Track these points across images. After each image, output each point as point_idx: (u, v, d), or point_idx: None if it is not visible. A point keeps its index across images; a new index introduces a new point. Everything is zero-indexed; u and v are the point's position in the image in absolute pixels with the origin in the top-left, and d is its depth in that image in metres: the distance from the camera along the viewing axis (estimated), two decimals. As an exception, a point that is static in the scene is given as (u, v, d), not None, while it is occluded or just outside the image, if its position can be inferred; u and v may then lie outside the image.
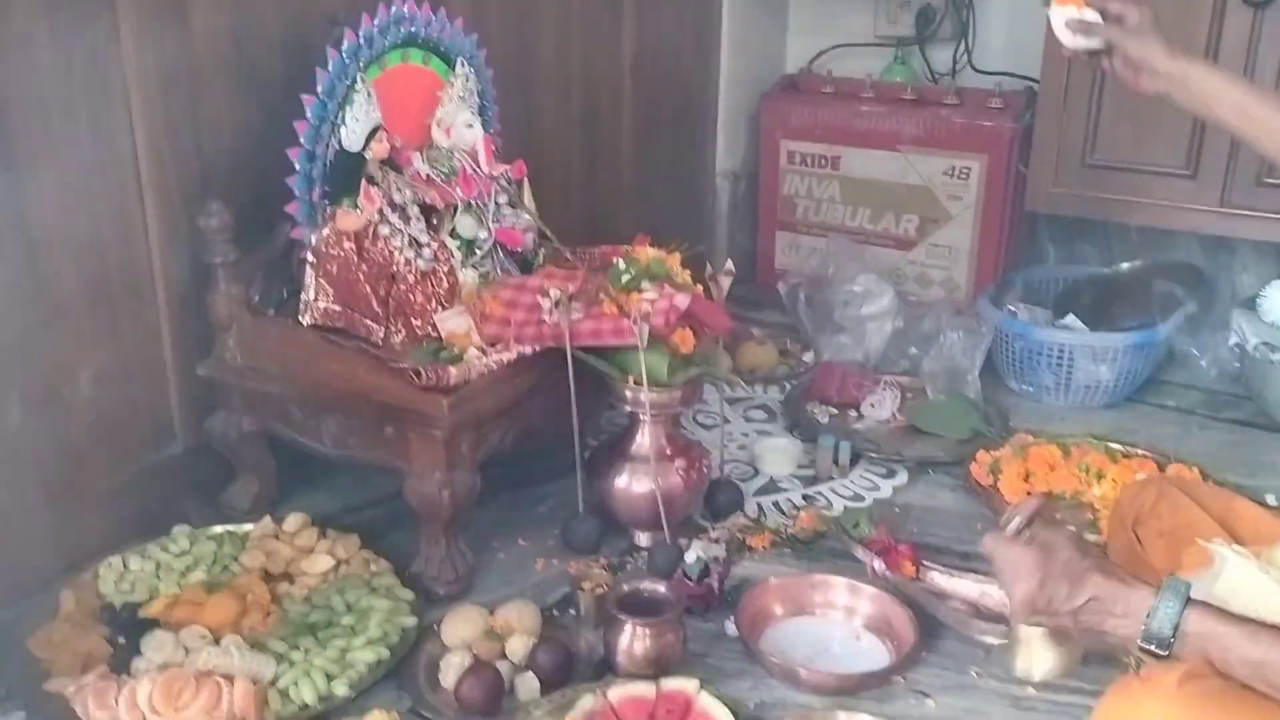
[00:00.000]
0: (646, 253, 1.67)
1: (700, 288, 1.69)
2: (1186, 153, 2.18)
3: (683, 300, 1.60)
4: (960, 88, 2.60)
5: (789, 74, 2.86)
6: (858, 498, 1.94)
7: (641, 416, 1.69)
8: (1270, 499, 1.90)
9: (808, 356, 2.49)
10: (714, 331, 1.70)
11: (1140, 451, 2.00)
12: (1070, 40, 1.47)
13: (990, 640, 1.52)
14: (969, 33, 2.67)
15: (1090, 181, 2.29)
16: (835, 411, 2.24)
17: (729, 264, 1.75)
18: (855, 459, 2.04)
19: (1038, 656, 1.43)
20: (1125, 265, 2.49)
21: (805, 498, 1.94)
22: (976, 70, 2.67)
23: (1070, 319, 2.34)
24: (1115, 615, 1.09)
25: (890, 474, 2.02)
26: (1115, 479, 1.88)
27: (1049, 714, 1.42)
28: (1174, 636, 1.04)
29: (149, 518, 1.66)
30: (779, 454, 2.03)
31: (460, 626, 1.50)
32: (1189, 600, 1.05)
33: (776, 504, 1.92)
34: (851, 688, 1.44)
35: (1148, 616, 1.06)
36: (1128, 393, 2.30)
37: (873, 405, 2.23)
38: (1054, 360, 2.24)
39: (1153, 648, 1.06)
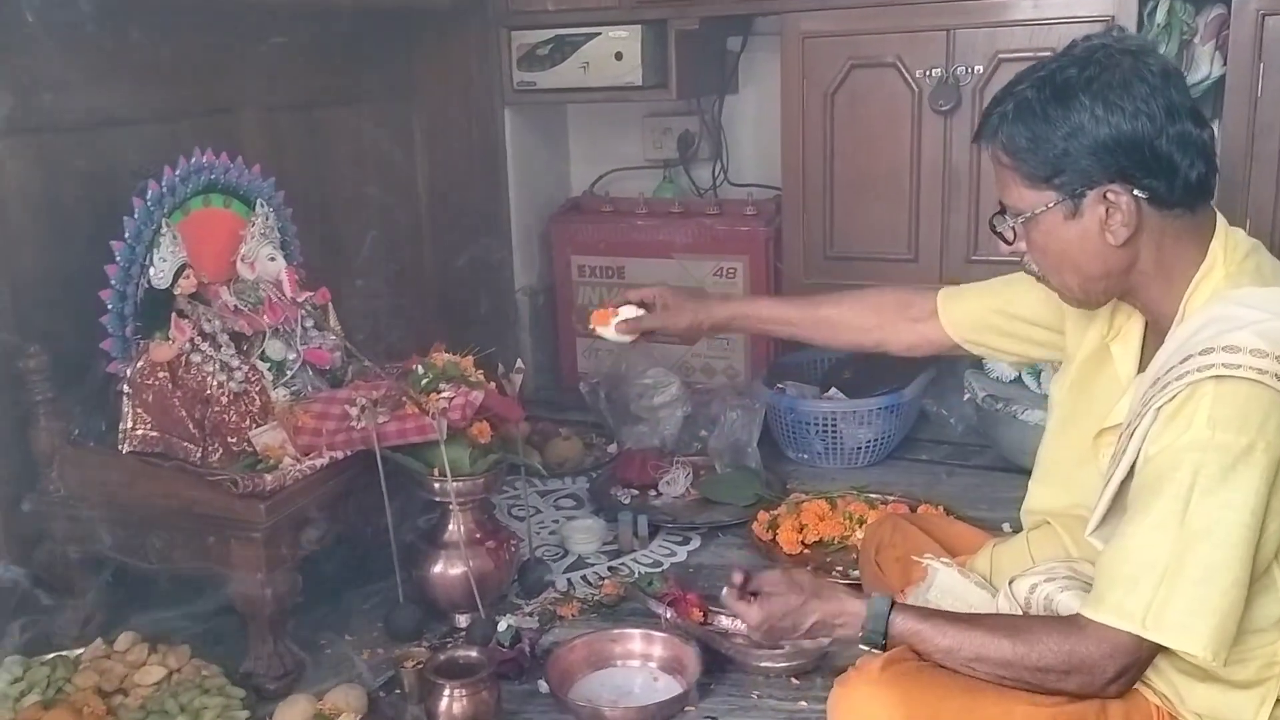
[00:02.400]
0: (442, 357, 1.88)
1: (494, 384, 1.90)
2: (906, 241, 2.55)
3: (476, 396, 1.81)
4: (720, 199, 2.95)
5: (573, 196, 3.16)
6: (657, 564, 2.15)
7: (450, 505, 1.87)
8: (1006, 527, 2.21)
9: (611, 447, 2.71)
10: (508, 421, 1.90)
11: (894, 498, 2.29)
12: (628, 339, 1.78)
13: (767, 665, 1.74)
14: (723, 152, 3.04)
15: (833, 271, 2.63)
16: (636, 492, 2.46)
17: (519, 363, 1.98)
18: (654, 531, 2.26)
19: None
20: (878, 342, 2.83)
21: (610, 569, 2.14)
22: (732, 184, 3.03)
23: (833, 392, 2.65)
24: (839, 627, 1.35)
25: (685, 541, 2.25)
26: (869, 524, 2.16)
27: (819, 720, 1.65)
28: (884, 638, 1.30)
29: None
30: (584, 533, 2.24)
31: (290, 714, 1.61)
32: (893, 607, 1.30)
33: (584, 577, 2.11)
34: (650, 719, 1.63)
35: (863, 626, 1.31)
36: (888, 450, 2.61)
37: (668, 483, 2.47)
38: (821, 428, 2.54)
39: (870, 649, 1.31)
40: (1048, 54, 2.10)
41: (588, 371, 2.99)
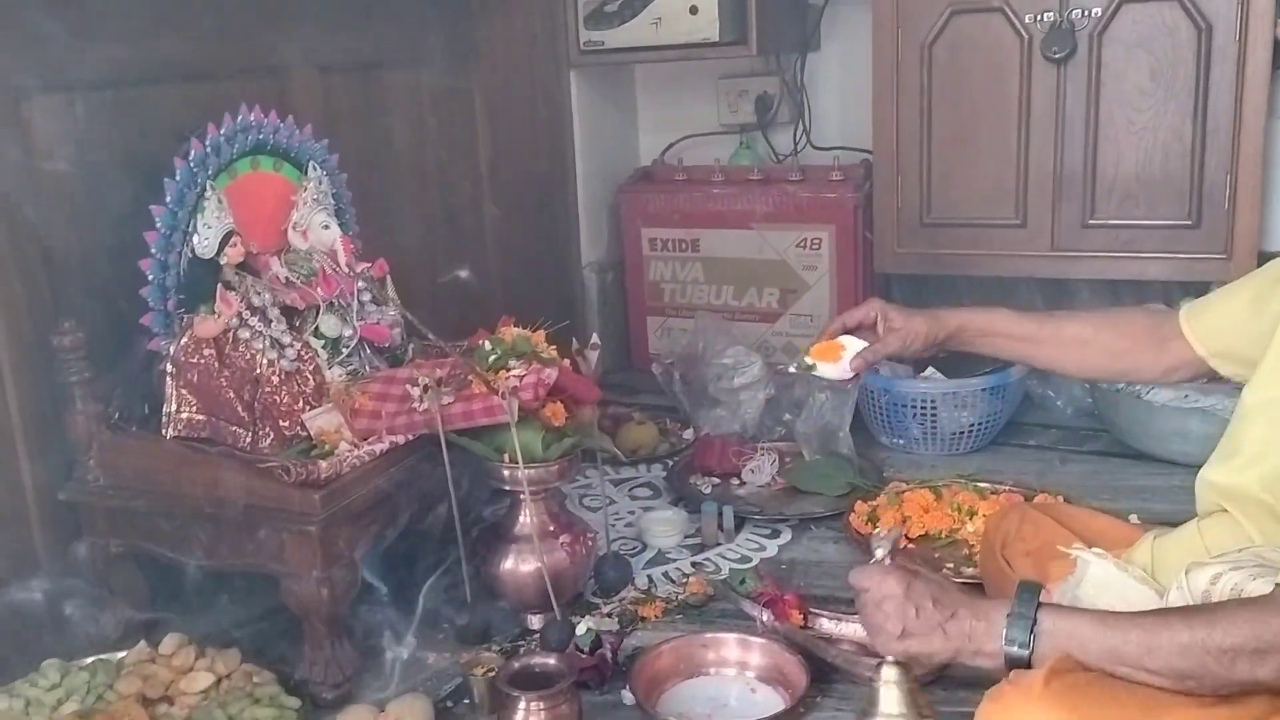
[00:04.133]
0: (511, 332, 1.70)
1: (567, 362, 1.72)
2: (1014, 205, 2.32)
3: (550, 374, 1.63)
4: (803, 165, 2.74)
5: (643, 166, 2.97)
6: (745, 559, 1.96)
7: (521, 495, 1.70)
8: (1133, 519, 1.98)
9: (688, 433, 2.53)
10: (584, 402, 1.72)
11: (1007, 487, 2.08)
12: (852, 374, 1.54)
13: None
14: (805, 115, 2.83)
15: (930, 240, 2.42)
16: (718, 481, 2.28)
17: (594, 338, 1.80)
18: (740, 523, 2.07)
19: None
20: (976, 316, 2.61)
21: (694, 565, 1.96)
22: (816, 148, 2.82)
23: (929, 371, 2.44)
24: (978, 627, 1.13)
25: (775, 534, 2.05)
26: (986, 515, 1.95)
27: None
28: (1031, 637, 1.09)
29: (16, 653, 1.58)
30: (665, 526, 2.05)
31: (349, 727, 1.46)
32: (1040, 604, 1.10)
33: (666, 574, 1.93)
34: (750, 737, 1.44)
35: (1006, 622, 1.11)
36: (992, 436, 2.39)
37: (753, 471, 2.28)
38: (919, 411, 2.33)
39: (1014, 649, 1.10)
40: None
41: (660, 352, 2.80)
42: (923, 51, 2.31)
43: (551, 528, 1.72)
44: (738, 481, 2.28)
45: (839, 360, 1.54)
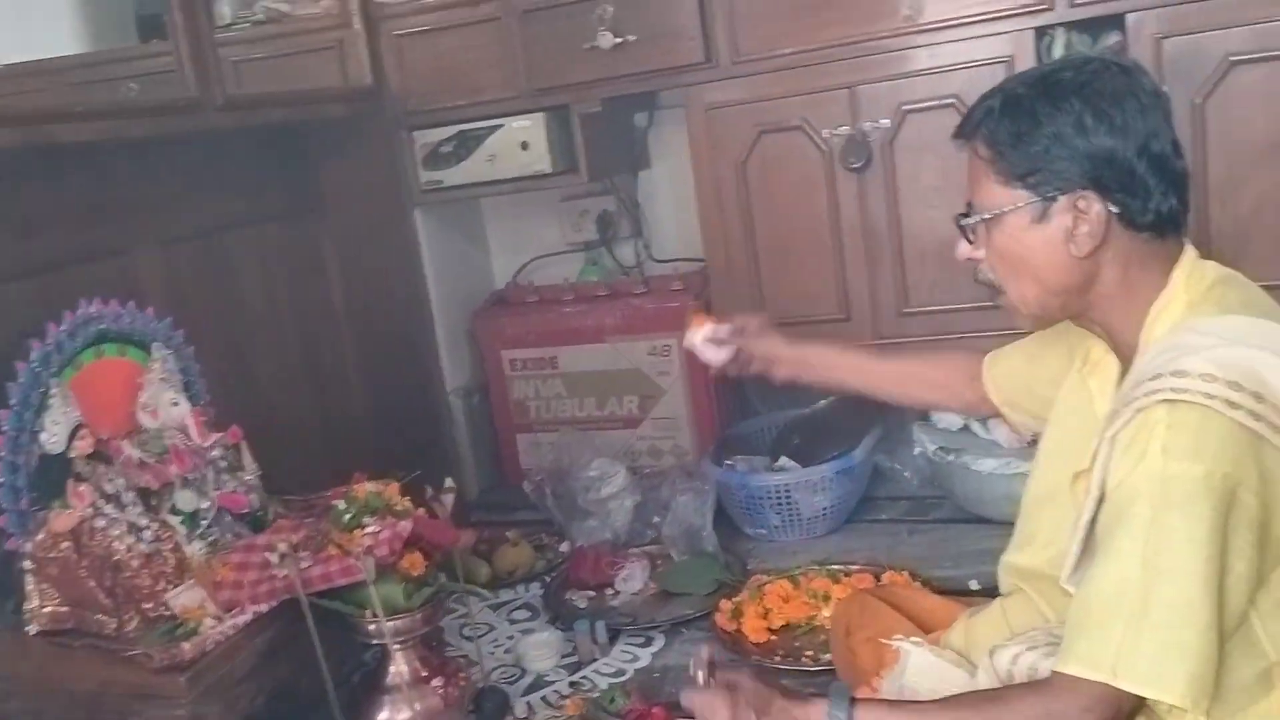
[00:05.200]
0: (364, 489, 1.77)
1: (423, 510, 1.80)
2: (836, 301, 2.49)
3: (404, 526, 1.70)
4: (647, 277, 2.90)
5: (497, 289, 3.08)
6: (620, 673, 2.05)
7: (390, 646, 1.76)
8: (973, 584, 2.14)
9: (564, 547, 2.61)
10: (443, 548, 1.80)
11: (857, 568, 2.21)
12: (712, 355, 1.72)
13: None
14: (644, 229, 2.99)
15: (769, 339, 2.57)
16: (593, 594, 2.36)
17: (448, 481, 1.88)
18: (614, 635, 2.16)
19: None
20: (822, 403, 2.78)
21: (572, 685, 2.03)
22: (656, 260, 2.98)
23: (784, 461, 2.58)
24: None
25: (648, 642, 2.14)
26: (840, 599, 2.07)
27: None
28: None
29: None
30: (541, 649, 2.12)
31: None
32: (854, 700, 1.21)
33: (544, 698, 2.00)
34: None
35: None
36: (846, 514, 2.53)
37: (625, 580, 2.37)
38: (776, 501, 2.46)
39: None
40: (951, 101, 2.11)
41: (531, 468, 2.89)
42: (738, 169, 2.49)
43: (424, 673, 1.78)
44: (612, 591, 2.36)
45: (699, 329, 1.72)
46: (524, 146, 2.64)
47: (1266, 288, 1.23)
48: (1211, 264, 1.23)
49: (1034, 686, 1.19)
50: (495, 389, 2.98)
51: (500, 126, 2.66)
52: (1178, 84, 2.10)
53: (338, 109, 2.64)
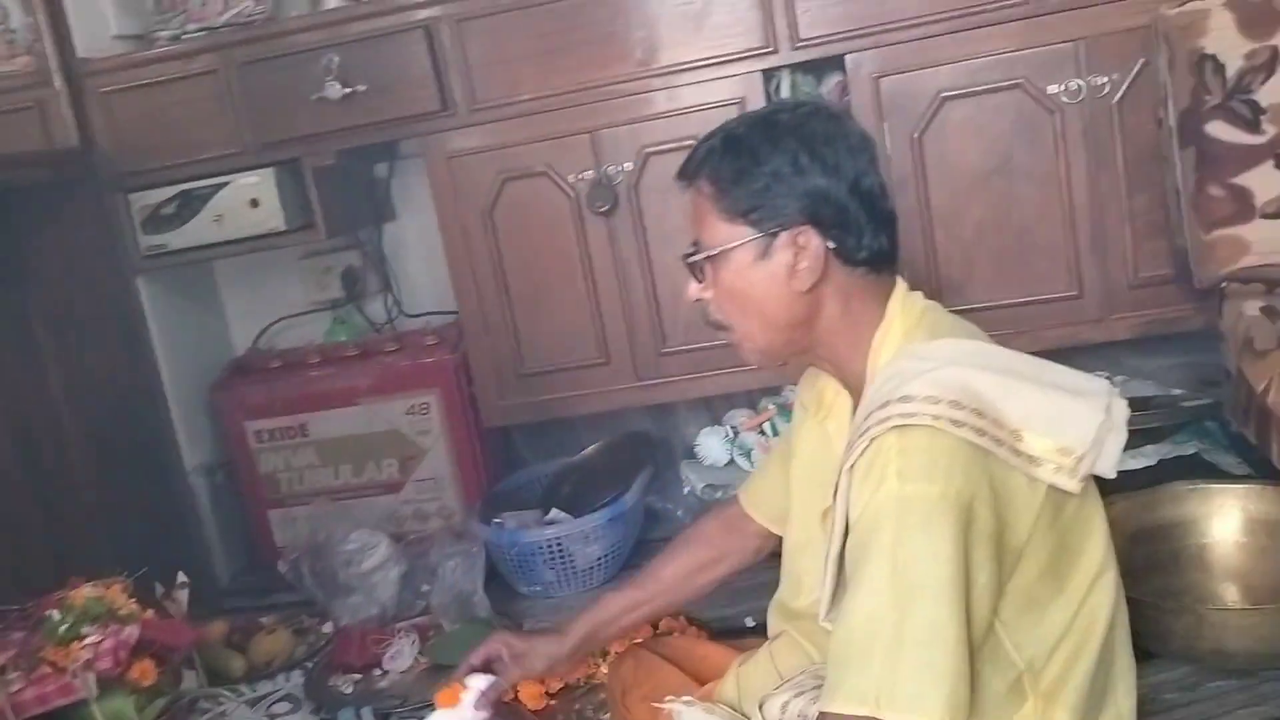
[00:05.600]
0: (82, 594, 1.59)
1: (152, 611, 1.62)
2: (595, 345, 2.47)
3: (130, 632, 1.53)
4: (399, 333, 2.78)
5: (236, 357, 2.89)
6: (391, 759, 1.92)
7: (124, 767, 1.57)
8: (749, 621, 2.14)
9: (327, 628, 2.44)
10: (179, 650, 1.63)
11: (634, 617, 2.17)
12: (486, 714, 1.52)
13: None
14: (393, 283, 2.87)
15: (530, 389, 2.51)
16: (359, 676, 2.21)
17: (180, 576, 1.71)
18: (384, 719, 2.02)
19: None
20: (590, 449, 2.74)
21: (337, 780, 1.89)
22: (408, 315, 2.87)
23: (554, 513, 2.51)
24: None
25: (421, 721, 2.02)
26: (617, 652, 2.02)
27: None
28: None
29: None
30: (303, 744, 1.97)
31: None
32: None
33: (308, 798, 1.84)
34: None
35: None
36: (623, 561, 2.49)
37: (393, 658, 2.23)
38: (549, 555, 2.39)
39: None
40: (690, 142, 2.11)
41: (286, 545, 2.70)
42: (484, 217, 2.43)
43: (165, 790, 1.61)
44: (380, 671, 2.22)
45: (458, 704, 1.50)
46: (254, 204, 2.48)
47: (991, 308, 1.30)
48: (919, 294, 1.31)
49: None
50: (241, 463, 2.77)
51: (226, 184, 2.49)
52: (896, 120, 2.21)
53: (41, 173, 2.41)
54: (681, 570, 1.65)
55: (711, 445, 2.60)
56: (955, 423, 1.10)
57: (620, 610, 1.64)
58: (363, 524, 2.52)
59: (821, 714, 1.12)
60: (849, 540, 1.16)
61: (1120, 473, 1.21)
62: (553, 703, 1.98)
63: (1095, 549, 1.21)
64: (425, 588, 2.43)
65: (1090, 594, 1.20)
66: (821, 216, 1.22)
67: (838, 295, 1.25)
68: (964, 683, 1.07)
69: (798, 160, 1.21)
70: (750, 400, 2.72)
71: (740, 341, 1.31)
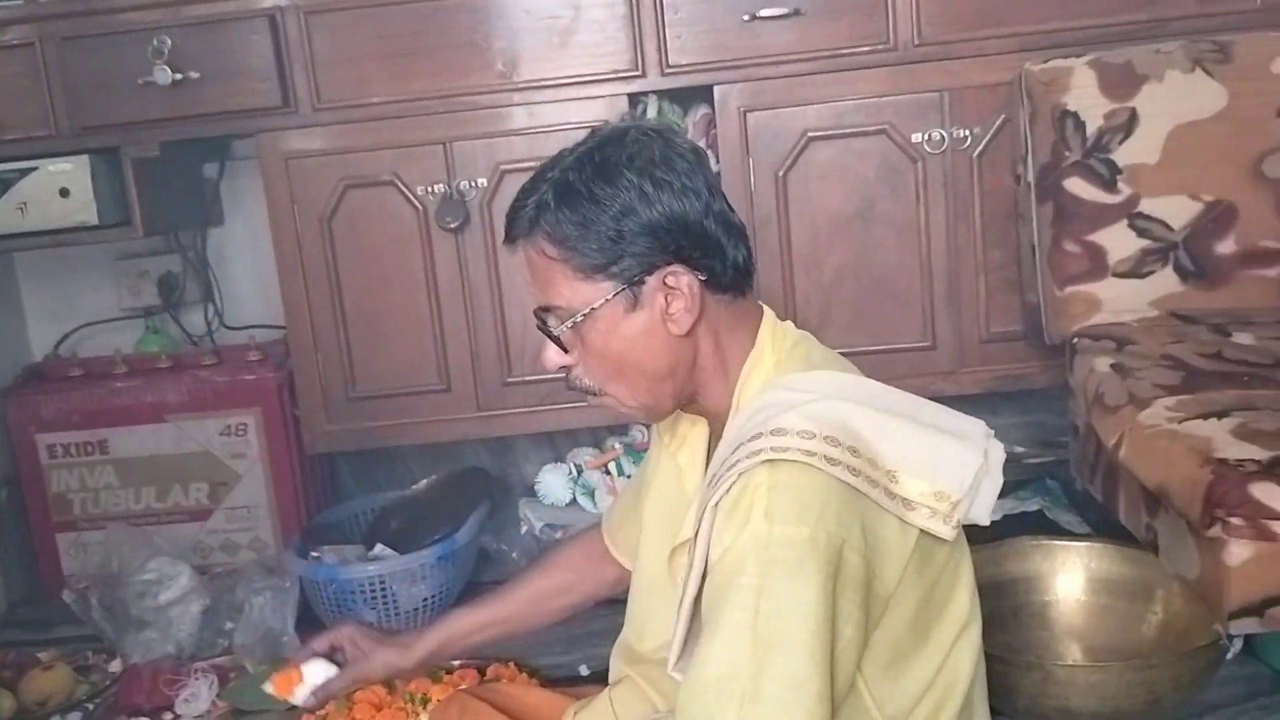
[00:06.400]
0: None
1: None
2: (436, 371, 2.31)
3: None
4: (219, 347, 2.57)
5: (33, 362, 2.61)
6: (175, 818, 1.71)
7: None
8: (583, 669, 2.02)
9: (114, 665, 2.19)
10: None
11: (459, 664, 2.01)
12: (317, 701, 1.48)
13: None
14: (215, 293, 2.66)
15: (360, 414, 2.34)
16: (147, 721, 1.99)
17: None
18: (171, 770, 1.81)
19: None
20: (422, 483, 2.58)
21: (111, 841, 1.66)
22: (229, 328, 2.66)
23: (379, 549, 2.33)
24: None
25: (214, 775, 1.82)
26: (440, 699, 1.86)
27: None
28: None
29: None
30: (72, 799, 1.73)
31: None
32: None
33: None
34: None
35: None
36: (450, 602, 2.32)
37: (188, 700, 2.02)
38: (370, 594, 2.21)
39: None
40: (549, 161, 2.01)
41: (75, 574, 2.44)
42: (322, 226, 2.26)
43: None
44: (172, 716, 2.00)
45: (293, 692, 1.44)
46: (64, 193, 2.24)
47: (845, 353, 1.24)
48: (789, 324, 1.23)
49: None
50: (29, 480, 2.49)
51: (34, 169, 2.24)
52: (762, 157, 2.17)
53: None
54: (537, 593, 1.52)
55: (553, 483, 2.48)
56: (830, 460, 1.03)
57: (470, 628, 1.52)
58: (164, 553, 2.29)
59: None
60: (707, 582, 1.06)
61: (964, 527, 1.15)
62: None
63: (962, 600, 1.15)
64: (229, 625, 2.23)
65: (954, 648, 1.13)
66: (683, 248, 1.11)
67: (709, 331, 1.16)
68: None
69: (644, 192, 1.10)
70: (596, 439, 2.62)
71: (618, 404, 1.19)
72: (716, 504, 1.06)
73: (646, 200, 1.10)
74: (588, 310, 1.12)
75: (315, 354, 2.32)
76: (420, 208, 2.24)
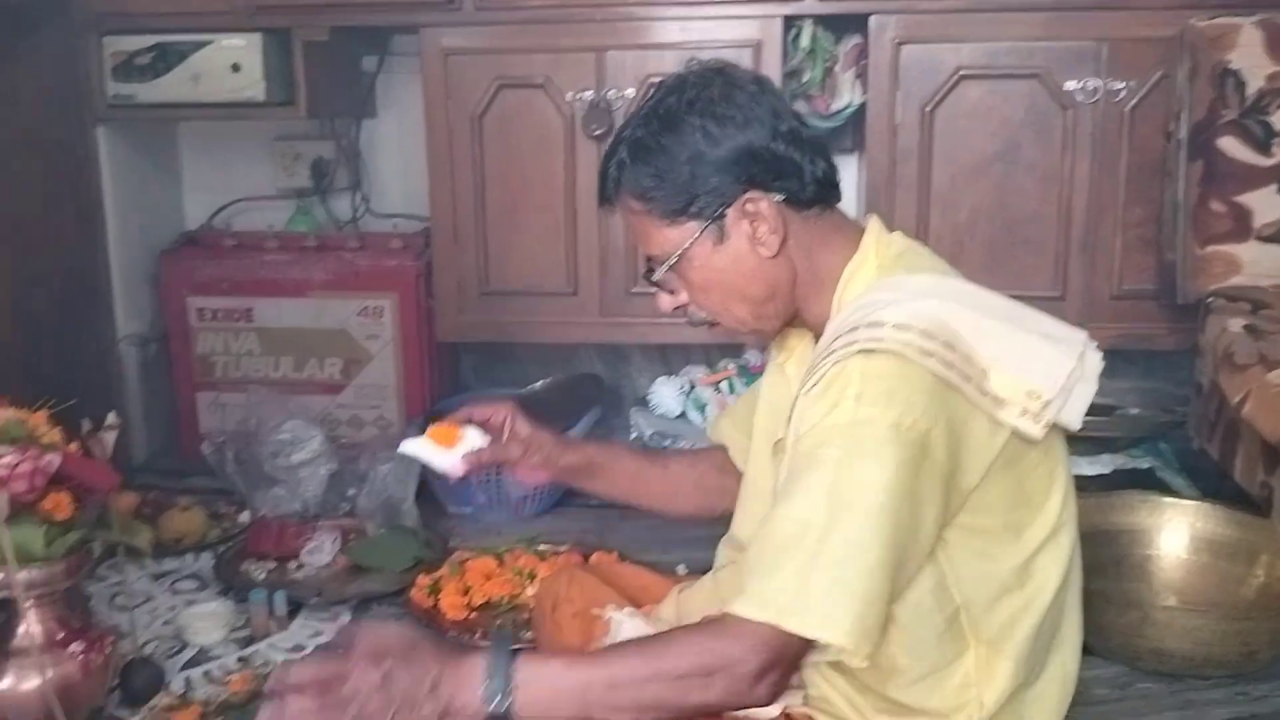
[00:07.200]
0: (2, 414, 1.48)
1: (76, 446, 1.52)
2: (564, 273, 2.40)
3: (50, 461, 1.43)
4: (363, 232, 2.68)
5: (189, 230, 2.76)
6: (299, 648, 1.84)
7: (20, 601, 1.47)
8: (681, 569, 2.09)
9: (244, 516, 2.35)
10: (98, 491, 1.53)
11: (566, 547, 2.11)
12: (460, 471, 1.38)
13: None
14: (364, 181, 2.77)
15: (490, 308, 2.44)
16: (274, 566, 2.12)
17: (111, 417, 1.61)
18: (295, 609, 1.94)
19: None
20: (539, 384, 2.68)
21: (241, 660, 1.80)
22: (375, 215, 2.77)
23: (494, 438, 2.44)
24: (459, 685, 1.04)
25: (334, 617, 1.94)
26: (546, 577, 1.96)
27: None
28: (509, 688, 1.03)
29: None
30: (207, 620, 1.88)
31: None
32: (517, 650, 1.07)
33: (207, 673, 1.76)
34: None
35: (485, 677, 1.04)
36: (557, 497, 2.43)
37: (312, 552, 2.15)
38: (483, 478, 2.32)
39: (494, 704, 1.03)
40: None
41: (213, 430, 2.59)
42: (473, 123, 2.34)
43: (60, 635, 1.50)
44: (296, 564, 2.13)
45: (453, 449, 1.36)
46: (235, 69, 2.37)
47: None
48: (899, 234, 1.25)
49: (704, 627, 1.12)
50: (177, 340, 2.65)
51: (209, 43, 2.37)
52: (911, 90, 2.18)
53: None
54: (686, 474, 1.53)
55: (666, 395, 2.55)
56: (924, 352, 1.06)
57: (623, 468, 1.51)
58: (297, 417, 2.42)
59: (725, 614, 1.07)
60: (791, 456, 1.12)
61: (1076, 476, 1.19)
62: (474, 615, 1.91)
63: (1053, 505, 1.17)
64: (351, 491, 2.35)
65: (1042, 550, 1.16)
66: (757, 175, 1.16)
67: (801, 247, 1.20)
68: (876, 610, 1.04)
69: (708, 132, 1.15)
70: (709, 358, 2.68)
71: (734, 329, 1.25)
72: (810, 390, 1.11)
73: (712, 139, 1.15)
74: (680, 252, 1.18)
75: (455, 246, 2.42)
76: (568, 113, 2.31)
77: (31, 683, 1.47)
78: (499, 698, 1.03)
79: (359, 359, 2.62)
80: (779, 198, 1.17)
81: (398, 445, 2.30)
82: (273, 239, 2.63)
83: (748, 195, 1.16)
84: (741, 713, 1.16)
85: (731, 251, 1.18)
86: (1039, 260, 2.19)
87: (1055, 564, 1.17)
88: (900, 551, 1.05)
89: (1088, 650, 1.62)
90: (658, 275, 1.22)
